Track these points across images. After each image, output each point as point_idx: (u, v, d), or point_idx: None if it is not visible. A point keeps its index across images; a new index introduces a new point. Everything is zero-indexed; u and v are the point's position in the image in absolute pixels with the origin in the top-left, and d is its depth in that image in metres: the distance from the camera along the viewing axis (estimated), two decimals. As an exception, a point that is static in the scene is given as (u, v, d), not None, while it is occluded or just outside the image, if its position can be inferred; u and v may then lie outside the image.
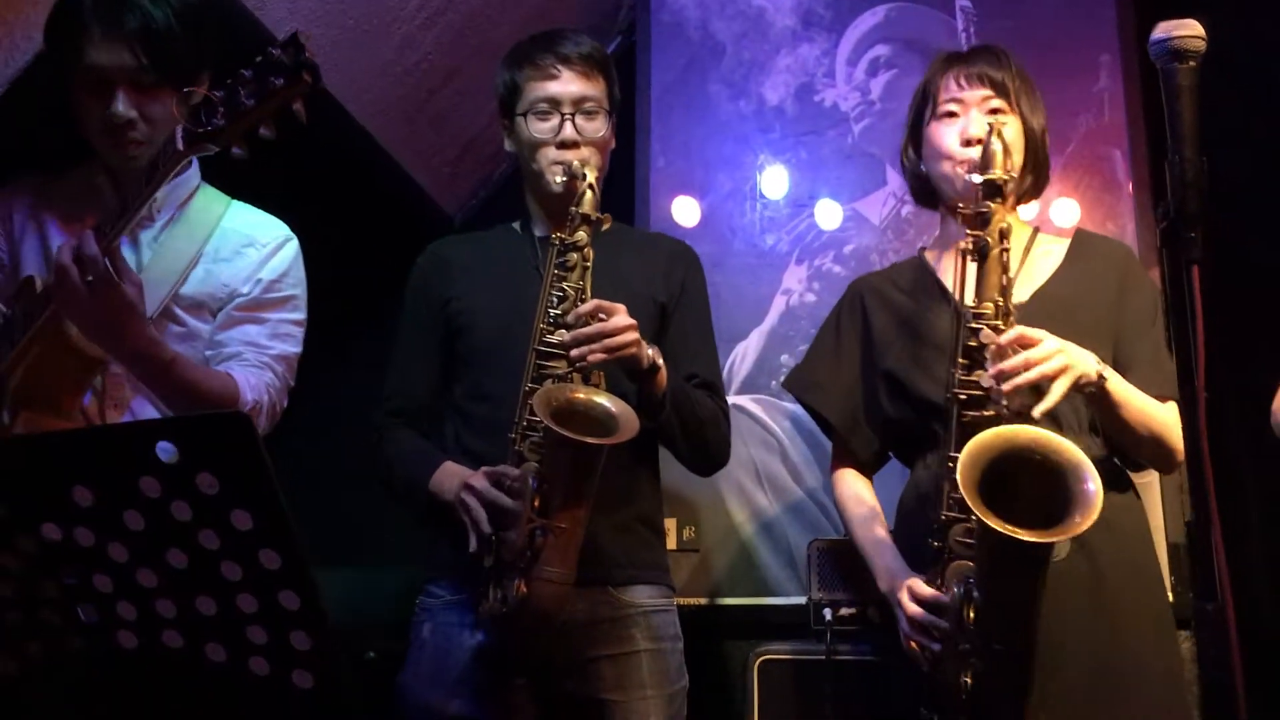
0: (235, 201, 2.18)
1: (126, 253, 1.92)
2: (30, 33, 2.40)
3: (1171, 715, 1.96)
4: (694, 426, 2.15)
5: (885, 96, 3.42)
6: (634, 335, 1.98)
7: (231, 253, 2.11)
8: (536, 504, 1.89)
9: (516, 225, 2.34)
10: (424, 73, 3.50)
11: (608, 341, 1.96)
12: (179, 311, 2.04)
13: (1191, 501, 1.43)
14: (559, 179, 2.11)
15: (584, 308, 1.99)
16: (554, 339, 2.01)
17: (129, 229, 1.85)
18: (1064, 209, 3.20)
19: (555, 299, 2.05)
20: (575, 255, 2.06)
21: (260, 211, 2.20)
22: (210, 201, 2.15)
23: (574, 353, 1.96)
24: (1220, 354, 2.08)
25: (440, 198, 3.91)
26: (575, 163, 2.10)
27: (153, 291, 1.93)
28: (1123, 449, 2.09)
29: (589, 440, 1.87)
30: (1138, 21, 3.27)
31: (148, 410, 1.98)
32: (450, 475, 2.06)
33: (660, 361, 2.04)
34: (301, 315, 2.17)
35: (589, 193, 2.06)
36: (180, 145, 1.74)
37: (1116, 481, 2.05)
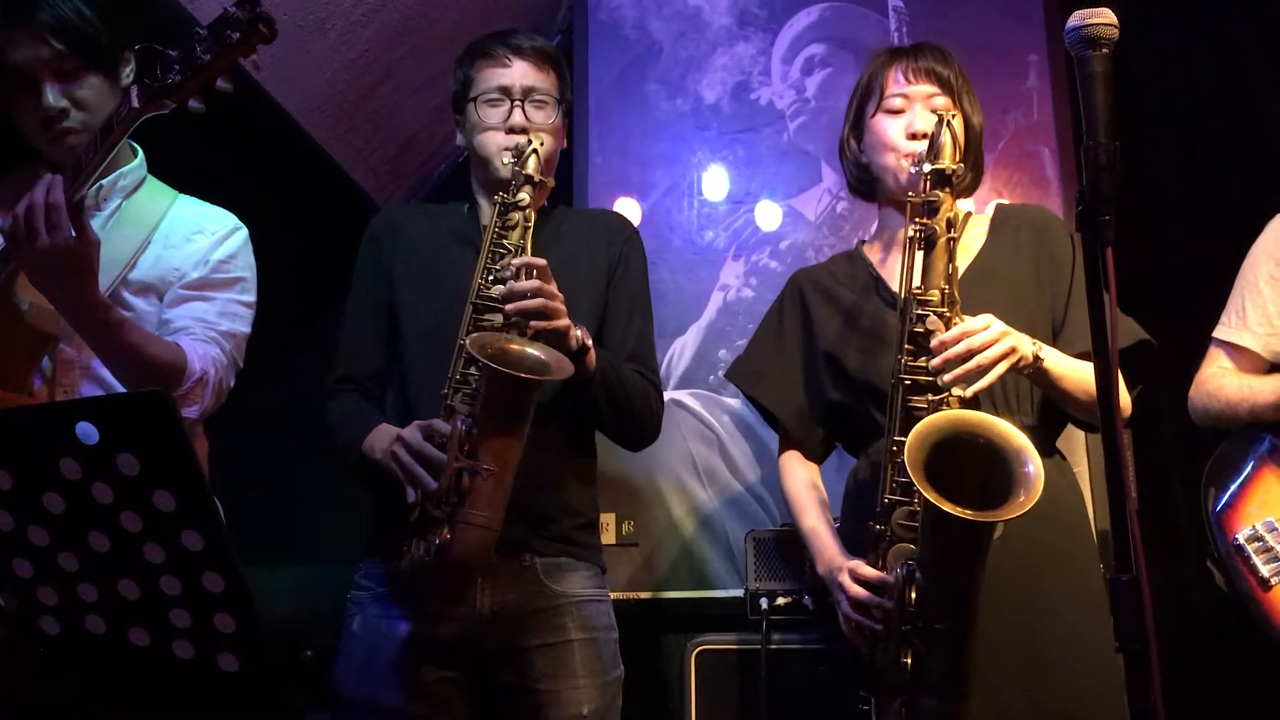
0: (182, 194, 2.19)
1: None
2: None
3: (1107, 685, 1.98)
4: (621, 404, 2.15)
5: (820, 95, 3.46)
6: (561, 307, 1.99)
7: (181, 239, 2.12)
8: (465, 448, 1.88)
9: (465, 208, 2.34)
10: (361, 69, 3.49)
11: (543, 302, 1.96)
12: (127, 296, 2.04)
13: (1107, 478, 1.47)
14: (506, 161, 2.13)
15: (518, 260, 2.00)
16: (492, 293, 2.02)
17: (82, 191, 1.84)
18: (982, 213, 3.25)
19: (495, 255, 2.06)
20: (517, 215, 2.07)
21: (207, 204, 2.21)
22: (157, 193, 2.16)
23: (509, 308, 1.97)
24: (1147, 340, 2.15)
25: (378, 196, 3.89)
26: (523, 140, 2.12)
27: (102, 275, 1.91)
28: (1064, 412, 2.13)
29: (521, 375, 1.86)
30: (1065, 21, 3.34)
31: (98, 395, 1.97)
32: (383, 435, 2.05)
33: (589, 343, 2.05)
34: (251, 298, 2.17)
35: (533, 157, 2.08)
36: (136, 103, 1.73)
37: (1046, 450, 2.09)
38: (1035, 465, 1.77)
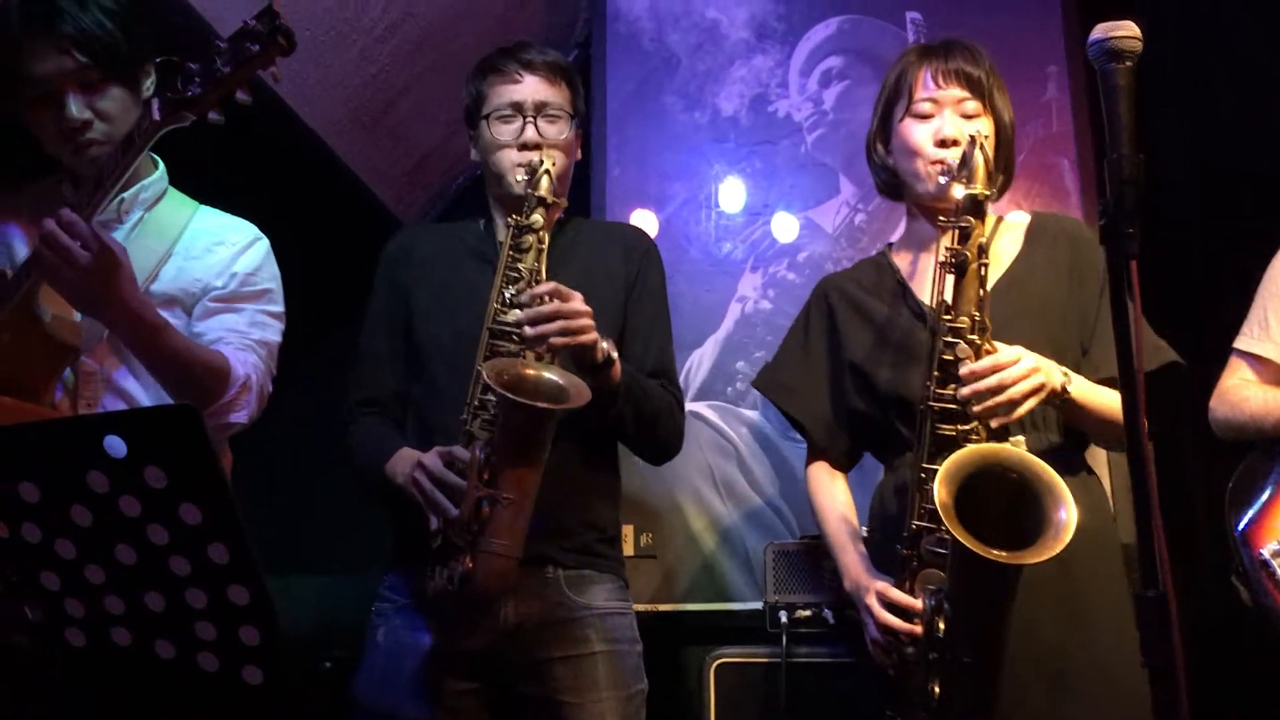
0: (203, 206, 2.20)
1: None
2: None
3: (1134, 702, 1.95)
4: (647, 417, 2.15)
5: (838, 107, 3.47)
6: (590, 322, 1.99)
7: (202, 250, 2.12)
8: (485, 475, 1.88)
9: (481, 224, 2.34)
10: (381, 85, 3.50)
11: (565, 324, 1.95)
12: None
13: (1133, 492, 1.46)
14: (520, 178, 2.13)
15: (540, 288, 1.99)
16: (508, 318, 2.02)
17: (103, 207, 1.86)
18: (1016, 220, 3.24)
19: (510, 279, 2.06)
20: (530, 237, 2.07)
21: (228, 215, 2.22)
22: (178, 204, 2.17)
23: (528, 331, 1.96)
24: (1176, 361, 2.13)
25: (397, 209, 3.90)
26: (535, 158, 2.11)
27: None
28: (1088, 437, 2.12)
29: (537, 404, 1.86)
30: (1084, 33, 3.33)
31: (120, 408, 1.98)
32: (404, 460, 2.05)
33: (614, 354, 2.04)
34: (279, 308, 2.18)
35: (545, 178, 2.08)
36: (157, 115, 1.75)
37: (1072, 466, 2.07)
38: (1069, 513, 1.76)
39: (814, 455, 2.33)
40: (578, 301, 1.99)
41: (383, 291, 2.30)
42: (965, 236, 1.97)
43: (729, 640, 2.90)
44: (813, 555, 2.85)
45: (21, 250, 2.04)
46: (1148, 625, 1.40)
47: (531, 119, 2.19)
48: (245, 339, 2.09)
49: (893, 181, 2.27)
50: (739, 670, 2.81)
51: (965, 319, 1.96)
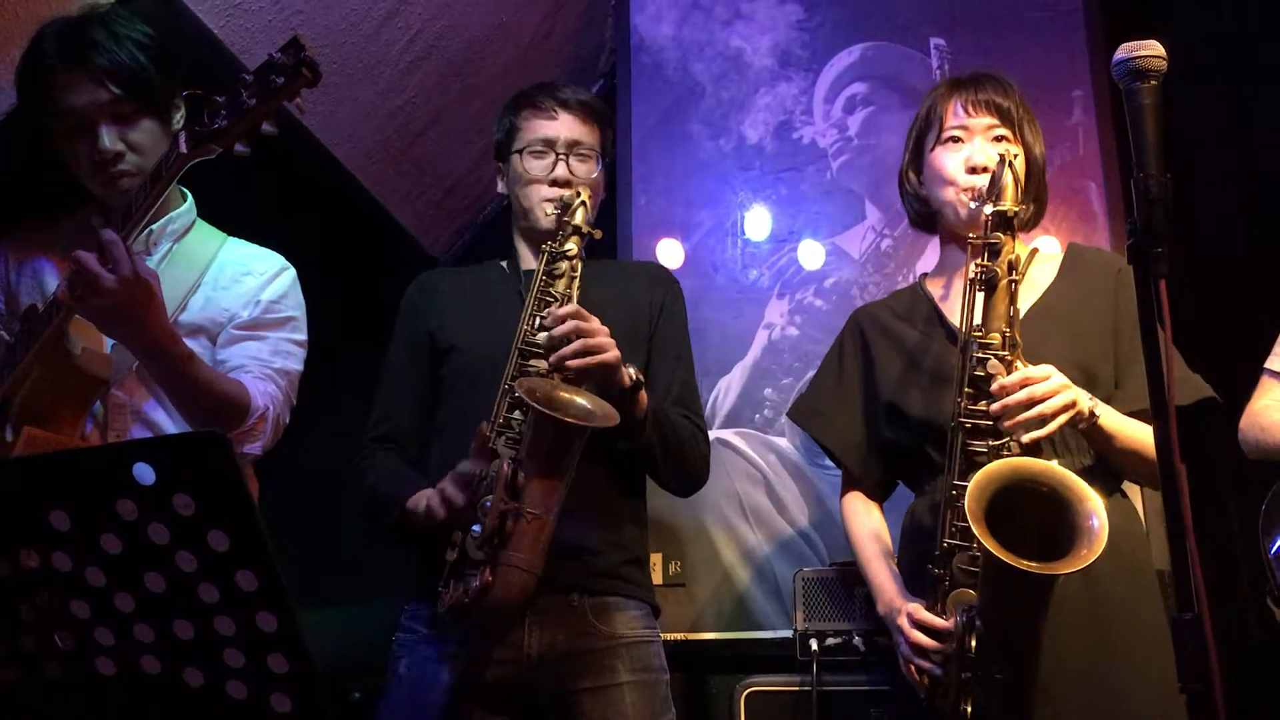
0: (231, 237, 2.23)
1: None
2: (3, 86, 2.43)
3: None
4: (673, 447, 2.15)
5: (863, 133, 3.46)
6: (609, 341, 2.00)
7: (230, 280, 2.15)
8: (511, 490, 1.89)
9: (504, 263, 2.36)
10: (408, 116, 3.53)
11: (584, 343, 1.97)
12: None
13: (1166, 513, 1.44)
14: (550, 212, 2.16)
15: (560, 309, 2.01)
16: (537, 339, 2.04)
17: (132, 239, 1.87)
18: (1044, 246, 3.21)
19: (542, 303, 2.08)
20: (564, 264, 2.10)
21: (256, 245, 2.24)
22: (207, 236, 2.20)
23: (552, 359, 1.98)
24: (1199, 370, 2.12)
25: (424, 240, 3.93)
26: (568, 193, 2.15)
27: None
28: (1113, 470, 2.10)
29: (571, 420, 1.87)
30: (1109, 56, 3.32)
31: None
32: (424, 496, 2.05)
33: (641, 379, 2.05)
34: (302, 336, 2.20)
35: (581, 209, 2.12)
36: (184, 148, 1.77)
37: (1105, 488, 2.05)
38: (1100, 519, 1.74)
39: (849, 485, 2.33)
40: (596, 324, 2.01)
41: (405, 328, 2.32)
42: (995, 253, 1.98)
43: (758, 669, 2.87)
44: (843, 582, 2.83)
45: (53, 284, 2.07)
46: (1184, 648, 1.38)
47: (563, 156, 2.23)
48: (266, 367, 2.11)
49: (925, 211, 2.28)
50: (769, 699, 2.78)
51: (996, 335, 1.97)
